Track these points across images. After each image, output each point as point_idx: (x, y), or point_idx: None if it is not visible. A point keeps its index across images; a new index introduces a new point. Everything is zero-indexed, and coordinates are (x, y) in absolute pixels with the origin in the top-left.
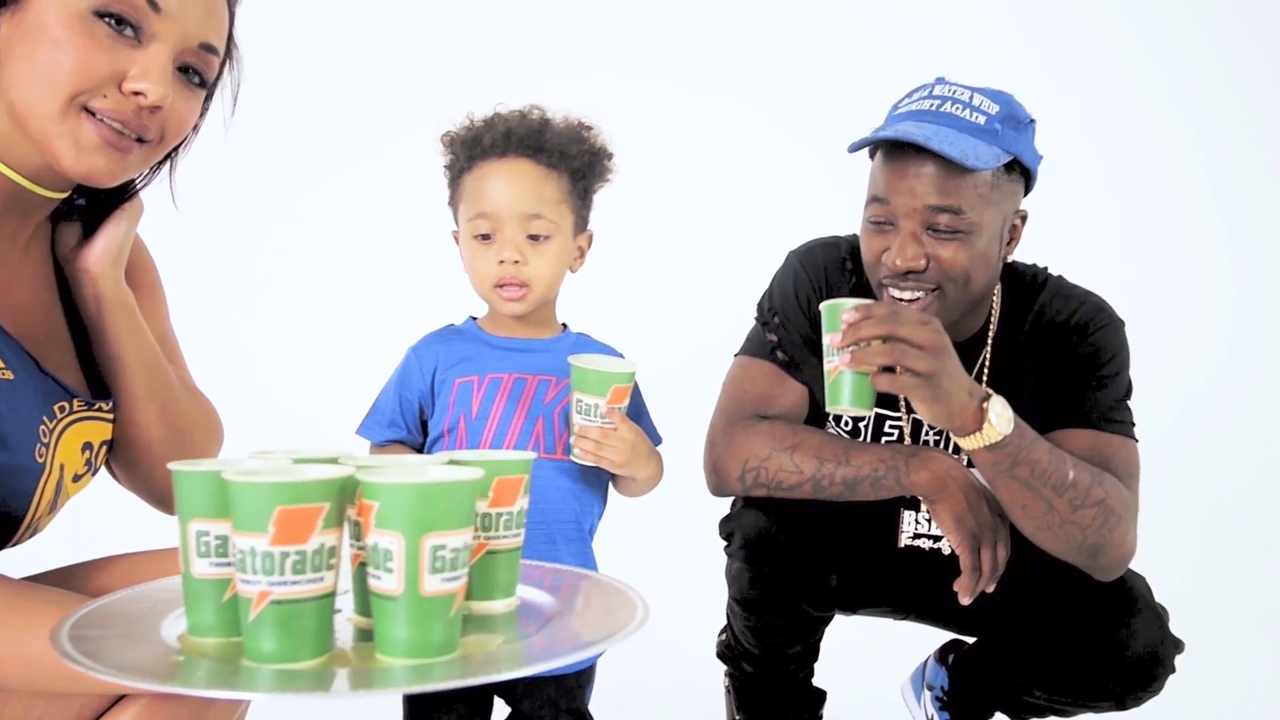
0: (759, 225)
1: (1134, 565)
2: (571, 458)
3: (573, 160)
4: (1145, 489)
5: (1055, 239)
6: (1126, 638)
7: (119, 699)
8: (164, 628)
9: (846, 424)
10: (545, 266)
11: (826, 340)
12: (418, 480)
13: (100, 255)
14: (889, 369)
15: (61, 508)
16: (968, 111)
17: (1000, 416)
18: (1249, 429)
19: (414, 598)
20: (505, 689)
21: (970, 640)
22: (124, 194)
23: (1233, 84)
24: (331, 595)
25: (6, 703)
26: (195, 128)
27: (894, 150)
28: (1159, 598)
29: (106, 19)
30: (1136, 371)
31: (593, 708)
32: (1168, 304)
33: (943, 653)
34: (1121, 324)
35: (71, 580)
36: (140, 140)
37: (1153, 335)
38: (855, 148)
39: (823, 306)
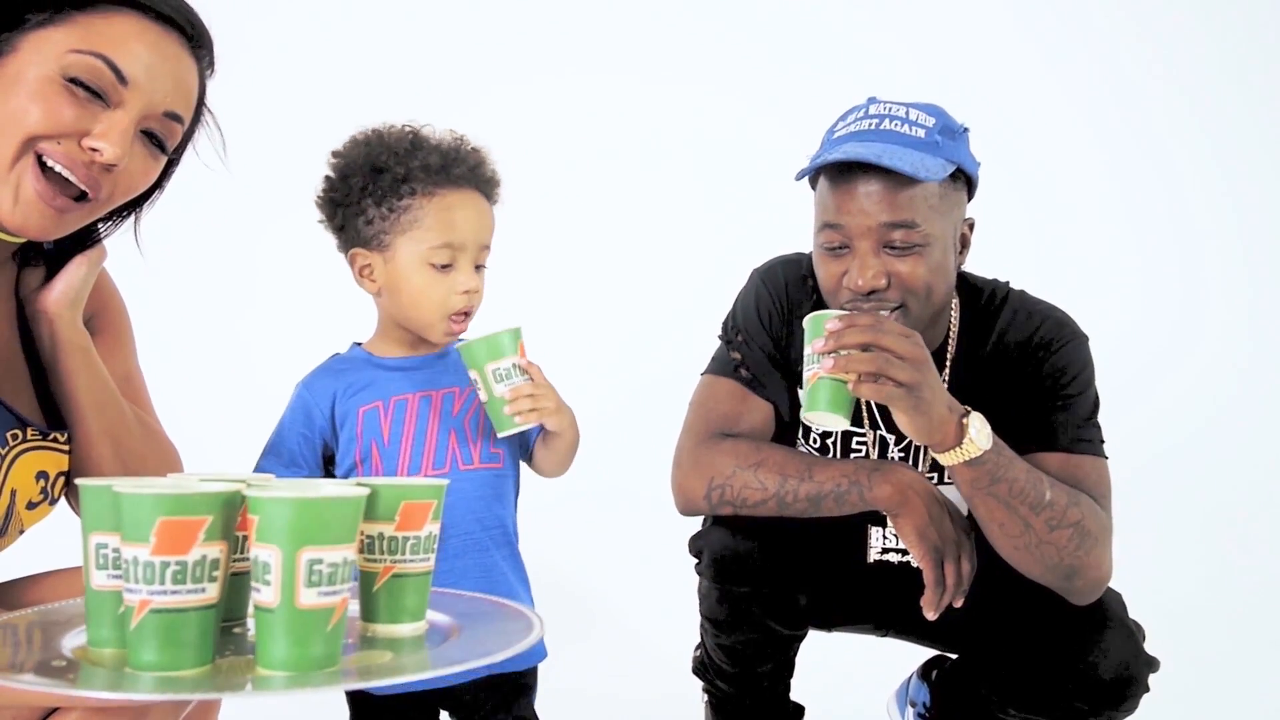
0: (730, 245)
1: (1146, 578)
2: (509, 431)
3: (496, 191)
4: (1160, 501)
5: (1070, 244)
6: (1097, 655)
7: (52, 712)
8: (65, 640)
9: (814, 442)
10: (482, 294)
11: (809, 350)
12: (294, 495)
13: (58, 297)
14: (873, 379)
15: (18, 533)
16: (906, 126)
17: (980, 432)
18: (1261, 441)
19: (290, 610)
20: (450, 701)
21: (954, 656)
22: (87, 239)
23: (1249, 86)
24: (214, 607)
25: None
26: (161, 186)
27: (840, 172)
28: (1167, 612)
29: (77, 84)
30: (1151, 383)
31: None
32: (1185, 310)
33: (926, 669)
34: (1085, 339)
35: (10, 593)
36: (82, 198)
37: (1167, 344)
38: (803, 175)
39: (807, 319)
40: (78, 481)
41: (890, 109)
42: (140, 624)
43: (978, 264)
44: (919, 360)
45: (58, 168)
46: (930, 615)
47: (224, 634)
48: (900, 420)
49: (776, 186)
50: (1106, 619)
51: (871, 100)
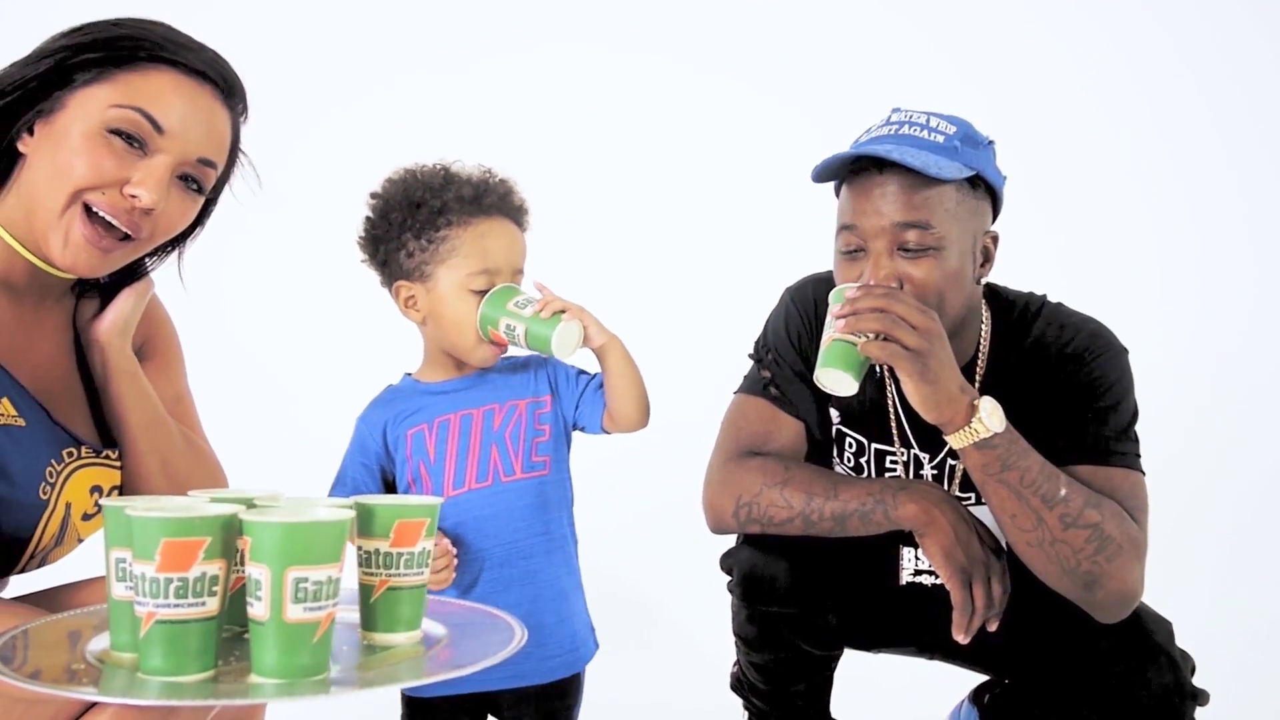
0: (771, 266)
1: (1177, 595)
2: (554, 335)
3: (525, 218)
4: (1189, 509)
5: (1092, 248)
6: (1138, 685)
7: (89, 708)
8: (91, 644)
9: (849, 461)
10: None
11: (828, 318)
12: (280, 519)
13: (108, 326)
14: (881, 340)
15: (74, 543)
16: (926, 132)
17: (991, 415)
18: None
19: (278, 624)
20: (494, 706)
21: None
22: (136, 272)
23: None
24: (214, 619)
25: None
26: (201, 223)
27: (857, 175)
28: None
29: (118, 135)
30: (1181, 386)
31: None
32: (1216, 322)
33: (978, 693)
34: (1122, 351)
35: (57, 597)
36: (127, 238)
37: (1185, 345)
38: (819, 170)
39: (832, 292)
40: (101, 502)
41: (911, 115)
42: (148, 634)
43: (1012, 277)
44: (929, 331)
45: (102, 214)
46: (960, 639)
47: (237, 640)
48: (908, 390)
49: (816, 207)
50: (1149, 649)
51: (894, 109)
